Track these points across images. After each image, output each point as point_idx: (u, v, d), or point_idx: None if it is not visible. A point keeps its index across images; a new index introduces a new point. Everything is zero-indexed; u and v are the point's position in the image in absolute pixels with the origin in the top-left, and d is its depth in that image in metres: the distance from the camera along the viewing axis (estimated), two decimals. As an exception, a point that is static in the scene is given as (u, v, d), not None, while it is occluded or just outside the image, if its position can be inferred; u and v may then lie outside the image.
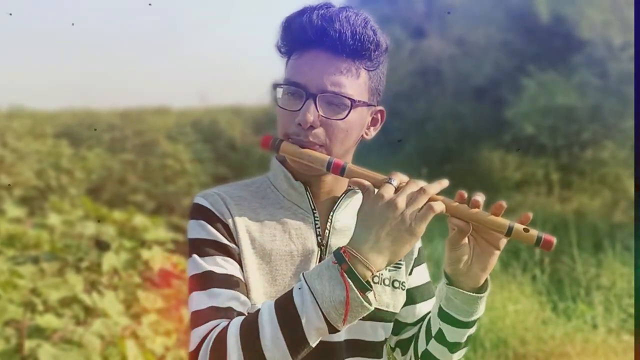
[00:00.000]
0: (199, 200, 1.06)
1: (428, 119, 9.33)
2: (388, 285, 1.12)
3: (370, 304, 0.90)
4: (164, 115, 12.04)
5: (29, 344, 2.54)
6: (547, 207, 7.26)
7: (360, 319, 1.05)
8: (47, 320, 2.72)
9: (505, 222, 0.94)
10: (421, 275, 1.20)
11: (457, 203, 0.95)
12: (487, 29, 8.61)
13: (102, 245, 4.02)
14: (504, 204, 0.95)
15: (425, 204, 0.92)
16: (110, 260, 3.51)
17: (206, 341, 0.92)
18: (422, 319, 1.18)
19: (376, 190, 0.94)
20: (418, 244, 1.18)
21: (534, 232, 0.94)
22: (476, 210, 0.95)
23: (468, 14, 9.08)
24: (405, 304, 1.16)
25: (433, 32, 9.62)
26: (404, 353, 1.21)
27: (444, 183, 0.95)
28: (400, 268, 1.14)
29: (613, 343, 3.62)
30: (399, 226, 0.90)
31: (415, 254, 1.18)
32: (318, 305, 0.88)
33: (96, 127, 10.49)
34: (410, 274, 1.17)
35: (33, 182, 7.18)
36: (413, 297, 1.18)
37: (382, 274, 1.11)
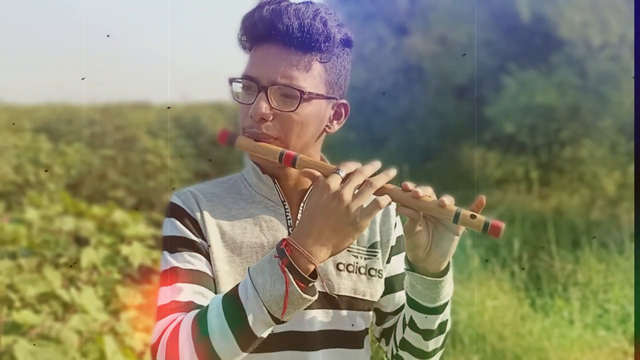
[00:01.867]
0: (173, 199, 1.09)
1: (410, 117, 9.37)
2: (364, 274, 1.13)
3: (313, 294, 0.91)
4: (144, 111, 11.93)
5: (5, 340, 2.51)
6: (526, 204, 7.34)
7: (336, 309, 1.09)
8: (24, 316, 2.69)
9: (452, 208, 0.94)
10: (400, 264, 1.19)
11: (404, 191, 0.96)
12: (469, 28, 8.66)
13: (81, 241, 3.98)
14: (484, 199, 0.96)
15: (371, 196, 0.92)
16: (89, 256, 3.48)
17: (164, 335, 0.95)
18: (402, 307, 1.18)
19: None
20: (397, 232, 1.19)
21: (481, 218, 0.93)
22: (425, 198, 0.95)
23: (450, 12, 9.13)
24: (385, 293, 1.17)
25: (416, 30, 9.66)
26: (387, 342, 1.22)
27: (391, 173, 0.96)
28: (376, 256, 1.15)
29: (589, 338, 3.67)
30: (343, 219, 0.90)
31: (393, 242, 1.18)
32: (260, 299, 0.89)
33: (75, 122, 10.37)
34: (388, 262, 1.17)
35: (11, 177, 7.07)
36: (392, 285, 1.18)
37: (357, 263, 1.12)
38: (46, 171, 7.29)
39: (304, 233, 0.91)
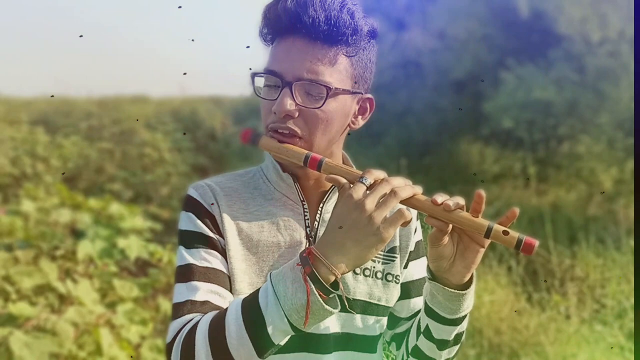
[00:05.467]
0: (190, 191, 1.06)
1: (408, 112, 9.36)
2: (381, 279, 1.10)
3: (335, 307, 0.88)
4: (142, 104, 11.91)
5: (1, 332, 2.51)
6: (524, 200, 7.34)
7: (351, 313, 1.06)
8: (21, 308, 2.68)
9: (484, 223, 0.90)
10: (418, 270, 1.17)
11: (433, 202, 0.92)
12: (468, 23, 8.64)
13: (77, 234, 3.97)
14: (483, 193, 0.92)
15: (396, 206, 0.89)
16: (85, 248, 3.48)
17: (179, 336, 0.93)
18: (417, 314, 1.15)
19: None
20: (416, 237, 1.16)
21: (514, 235, 0.89)
22: (455, 210, 0.91)
23: (449, 7, 9.11)
24: (401, 298, 1.14)
25: (414, 25, 9.64)
26: (398, 347, 1.19)
27: (418, 190, 0.92)
28: (394, 261, 1.12)
29: (586, 333, 3.68)
30: (366, 229, 0.87)
31: (412, 248, 1.15)
32: (281, 307, 0.87)
33: (73, 115, 10.34)
34: (405, 267, 1.15)
35: (8, 170, 7.05)
36: (408, 291, 1.16)
37: (374, 267, 1.10)
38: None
39: (327, 243, 0.89)
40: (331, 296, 0.88)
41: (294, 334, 0.89)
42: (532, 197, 7.48)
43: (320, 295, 0.86)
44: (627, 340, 3.59)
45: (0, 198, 5.53)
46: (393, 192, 0.89)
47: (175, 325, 0.95)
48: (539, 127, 8.15)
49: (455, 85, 8.88)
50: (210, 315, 0.93)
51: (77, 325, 2.66)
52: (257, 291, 0.91)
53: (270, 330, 0.87)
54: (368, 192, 0.89)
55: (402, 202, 0.90)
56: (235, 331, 0.88)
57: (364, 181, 0.90)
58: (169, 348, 0.94)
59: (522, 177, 7.90)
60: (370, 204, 0.88)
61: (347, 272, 0.89)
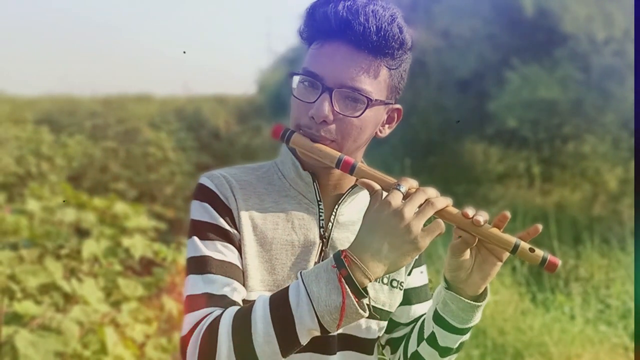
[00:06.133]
0: (204, 181, 1.04)
1: (412, 111, 9.34)
2: (386, 284, 1.11)
3: (365, 310, 0.88)
4: (146, 103, 11.93)
5: (6, 331, 2.51)
6: (528, 199, 7.34)
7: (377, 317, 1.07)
8: (25, 306, 2.69)
9: (511, 239, 0.92)
10: (419, 277, 1.19)
11: (462, 215, 0.93)
12: (472, 22, 8.62)
13: (82, 232, 3.98)
14: (508, 214, 0.93)
15: (432, 216, 0.90)
16: (90, 247, 3.48)
17: (198, 328, 0.91)
18: (416, 320, 1.16)
19: (384, 193, 0.92)
20: None
21: (539, 253, 0.91)
22: (485, 226, 0.93)
23: (453, 6, 9.09)
24: (401, 304, 1.15)
25: (418, 23, 9.62)
26: (393, 352, 1.19)
27: (449, 201, 0.93)
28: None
29: (590, 333, 3.67)
30: (404, 237, 0.87)
31: None
32: (313, 307, 0.87)
33: (77, 114, 10.37)
34: (409, 274, 1.16)
35: (12, 169, 7.07)
36: (409, 297, 1.16)
37: None
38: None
39: (362, 247, 0.89)
40: (362, 300, 0.88)
41: (319, 334, 0.89)
42: (536, 196, 7.47)
43: (354, 299, 0.86)
44: (631, 341, 3.58)
45: (5, 197, 5.55)
46: (430, 202, 0.90)
47: (192, 318, 0.93)
48: (543, 127, 8.12)
49: (459, 85, 8.86)
50: (233, 309, 0.92)
51: (82, 323, 2.67)
52: (286, 289, 0.90)
53: (298, 329, 0.87)
54: (404, 200, 0.90)
55: (435, 213, 0.91)
56: (262, 328, 0.87)
57: (400, 188, 0.91)
58: (184, 341, 0.92)
59: (526, 177, 7.88)
60: (409, 212, 0.88)
61: (380, 277, 0.90)
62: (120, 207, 4.36)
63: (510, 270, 4.47)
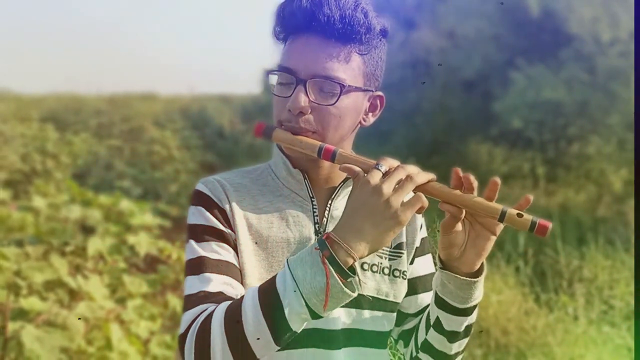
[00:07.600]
0: (199, 186, 1.07)
1: (417, 111, 9.34)
2: (388, 275, 1.11)
3: (353, 290, 0.89)
4: (151, 102, 11.97)
5: (12, 326, 2.54)
6: (532, 200, 7.31)
7: (359, 308, 1.07)
8: (31, 302, 2.71)
9: (497, 207, 0.91)
10: (424, 266, 1.18)
11: (447, 188, 0.93)
12: (478, 22, 8.61)
13: (87, 230, 4.00)
14: (498, 180, 0.93)
15: (413, 192, 0.90)
16: (95, 244, 3.50)
17: (193, 325, 0.92)
18: (424, 309, 1.16)
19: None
20: (422, 233, 1.18)
21: (528, 217, 0.90)
22: (468, 195, 0.92)
23: (459, 6, 9.08)
24: (407, 294, 1.15)
25: (423, 23, 9.62)
26: (406, 344, 1.19)
27: (432, 176, 0.94)
28: (401, 257, 1.13)
29: (593, 334, 3.67)
30: (384, 213, 0.88)
31: (417, 244, 1.16)
32: (300, 290, 0.87)
33: (83, 112, 10.41)
34: (411, 263, 1.16)
35: (18, 166, 7.11)
36: (415, 287, 1.16)
37: (381, 263, 1.11)
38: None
39: (344, 228, 0.89)
40: (349, 280, 0.89)
41: (310, 319, 0.89)
42: (541, 197, 7.45)
43: (339, 278, 0.87)
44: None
45: (11, 194, 5.57)
46: (409, 177, 0.90)
47: (188, 316, 0.95)
48: (548, 127, 8.11)
49: (464, 85, 8.86)
50: (225, 303, 0.93)
51: (87, 319, 2.69)
52: (274, 277, 0.91)
53: (287, 314, 0.87)
54: (384, 177, 0.91)
55: (416, 188, 0.91)
56: (252, 317, 0.88)
57: (379, 167, 0.92)
58: (182, 339, 0.94)
59: (530, 177, 7.87)
60: (387, 188, 0.89)
61: (365, 256, 0.90)
62: (125, 204, 4.38)
63: (514, 271, 4.47)
